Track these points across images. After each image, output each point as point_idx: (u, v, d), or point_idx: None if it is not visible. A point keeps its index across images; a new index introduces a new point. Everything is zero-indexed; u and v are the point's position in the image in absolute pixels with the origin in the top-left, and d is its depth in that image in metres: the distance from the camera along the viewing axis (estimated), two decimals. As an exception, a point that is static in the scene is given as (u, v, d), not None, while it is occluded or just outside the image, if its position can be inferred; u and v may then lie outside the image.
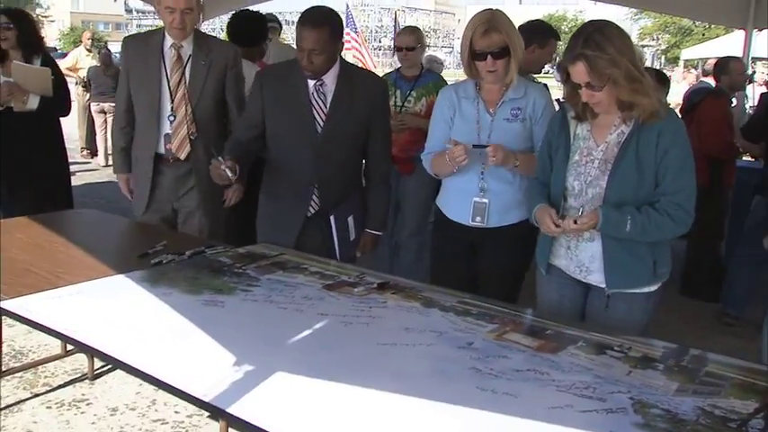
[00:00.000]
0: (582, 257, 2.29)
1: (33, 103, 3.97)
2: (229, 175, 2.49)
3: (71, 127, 8.04)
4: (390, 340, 1.86)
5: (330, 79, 2.70)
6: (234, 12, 4.33)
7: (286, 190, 2.82)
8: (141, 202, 3.21)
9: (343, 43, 2.70)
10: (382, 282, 2.32)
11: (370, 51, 14.53)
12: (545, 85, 2.88)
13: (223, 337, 1.81)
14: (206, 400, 1.50)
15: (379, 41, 56.58)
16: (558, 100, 2.39)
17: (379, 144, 2.83)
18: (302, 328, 1.91)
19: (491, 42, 2.49)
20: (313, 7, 2.64)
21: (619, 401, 1.56)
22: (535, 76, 3.52)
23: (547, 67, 4.31)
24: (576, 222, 2.17)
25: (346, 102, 2.69)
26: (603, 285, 2.27)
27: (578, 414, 1.51)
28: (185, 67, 3.13)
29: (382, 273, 2.46)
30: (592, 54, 2.05)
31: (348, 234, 2.86)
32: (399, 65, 4.39)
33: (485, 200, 2.65)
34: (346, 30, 13.66)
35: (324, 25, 2.55)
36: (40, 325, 1.91)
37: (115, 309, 2.02)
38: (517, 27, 2.71)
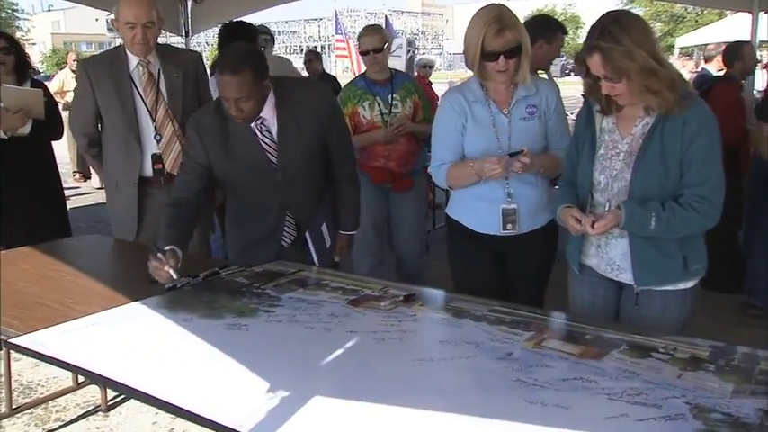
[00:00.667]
0: (612, 255, 2.25)
1: (26, 127, 3.91)
2: (173, 276, 2.29)
3: (62, 150, 7.98)
4: (427, 355, 1.82)
5: (269, 113, 2.55)
6: (222, 24, 4.29)
7: (255, 223, 2.75)
8: (130, 229, 3.16)
9: (270, 82, 2.50)
10: (408, 294, 2.28)
11: (358, 56, 14.42)
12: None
13: (251, 362, 1.76)
14: (243, 431, 1.45)
15: (368, 47, 56.59)
16: (583, 95, 2.33)
17: (340, 147, 2.77)
18: (333, 348, 1.86)
19: (504, 42, 2.41)
20: (228, 50, 2.45)
21: (675, 407, 1.51)
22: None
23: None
24: (593, 226, 2.11)
25: (293, 128, 2.58)
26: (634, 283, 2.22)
27: (636, 423, 1.46)
28: (158, 84, 3.10)
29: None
30: (606, 46, 2.01)
31: (324, 243, 2.83)
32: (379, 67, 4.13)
33: (513, 205, 2.56)
34: (336, 36, 13.62)
35: (244, 69, 2.35)
36: (58, 360, 1.86)
37: (134, 338, 1.97)
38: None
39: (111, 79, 3.06)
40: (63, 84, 9.22)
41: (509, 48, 2.42)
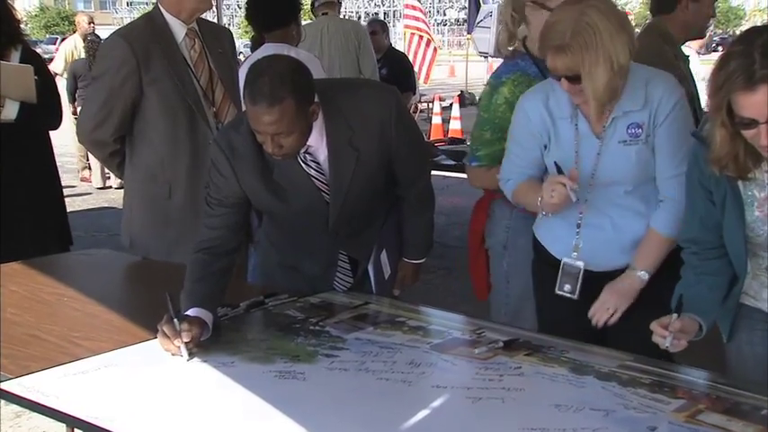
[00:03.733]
0: None
1: (11, 111, 3.95)
2: (185, 355, 2.13)
3: (60, 139, 8.15)
4: (539, 424, 1.80)
5: (316, 138, 2.47)
6: None
7: (300, 259, 2.77)
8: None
9: (318, 104, 2.39)
10: (510, 339, 2.26)
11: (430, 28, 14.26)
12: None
13: (312, 422, 1.77)
14: None
15: (444, 14, 56.57)
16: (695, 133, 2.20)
17: (410, 163, 2.72)
18: (416, 408, 1.86)
19: (555, 65, 2.30)
20: (262, 68, 2.27)
21: None
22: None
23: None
24: None
25: (348, 154, 2.51)
26: None
27: None
28: (208, 60, 3.15)
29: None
30: None
31: (383, 273, 2.85)
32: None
33: (579, 263, 2.48)
34: (406, 2, 13.64)
35: (284, 99, 2.22)
36: (60, 412, 1.87)
37: (157, 386, 1.99)
38: None
39: (163, 55, 3.06)
40: (73, 57, 9.32)
41: (563, 74, 2.31)
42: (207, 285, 2.34)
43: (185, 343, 2.13)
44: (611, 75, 2.24)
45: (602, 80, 2.25)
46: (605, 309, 2.44)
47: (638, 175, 2.43)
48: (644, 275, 2.41)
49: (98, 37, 9.43)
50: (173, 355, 2.15)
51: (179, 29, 3.11)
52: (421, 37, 13.08)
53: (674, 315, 2.09)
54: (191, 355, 2.14)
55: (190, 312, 2.22)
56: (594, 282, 2.50)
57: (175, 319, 2.16)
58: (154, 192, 3.18)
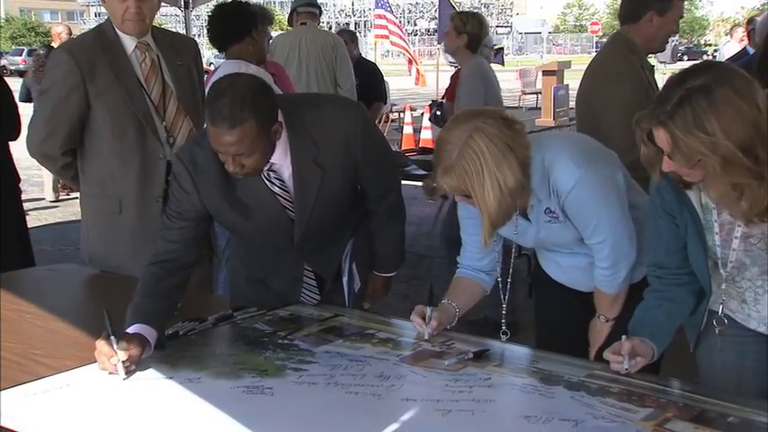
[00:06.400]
0: (766, 314, 2.19)
1: None
2: (122, 374, 2.10)
3: (21, 151, 8.08)
4: (510, 435, 1.79)
5: (280, 155, 2.47)
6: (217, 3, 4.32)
7: (266, 274, 2.78)
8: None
9: (281, 123, 2.40)
10: (479, 350, 2.25)
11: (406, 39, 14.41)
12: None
13: (278, 437, 1.76)
14: None
15: (414, 24, 56.90)
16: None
17: (377, 178, 2.73)
18: (386, 421, 1.85)
19: (442, 184, 2.33)
20: (222, 91, 2.25)
21: None
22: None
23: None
24: None
25: (313, 172, 2.52)
26: None
27: None
28: (161, 73, 3.13)
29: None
30: (681, 128, 1.87)
31: (353, 285, 2.85)
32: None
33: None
34: (377, 12, 13.68)
35: (244, 120, 2.22)
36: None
37: (121, 404, 1.98)
38: None
39: (109, 68, 3.04)
40: None
41: (452, 193, 2.36)
42: (155, 302, 2.33)
43: (122, 361, 2.10)
44: (501, 197, 2.26)
45: (493, 203, 2.27)
46: (595, 348, 2.52)
47: (577, 238, 2.50)
48: (602, 319, 2.52)
49: (49, 49, 9.33)
50: (109, 373, 2.12)
51: (129, 41, 3.09)
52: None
53: (623, 337, 2.12)
54: (128, 373, 2.12)
55: (132, 329, 2.20)
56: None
57: (113, 337, 2.13)
58: (105, 206, 3.17)
